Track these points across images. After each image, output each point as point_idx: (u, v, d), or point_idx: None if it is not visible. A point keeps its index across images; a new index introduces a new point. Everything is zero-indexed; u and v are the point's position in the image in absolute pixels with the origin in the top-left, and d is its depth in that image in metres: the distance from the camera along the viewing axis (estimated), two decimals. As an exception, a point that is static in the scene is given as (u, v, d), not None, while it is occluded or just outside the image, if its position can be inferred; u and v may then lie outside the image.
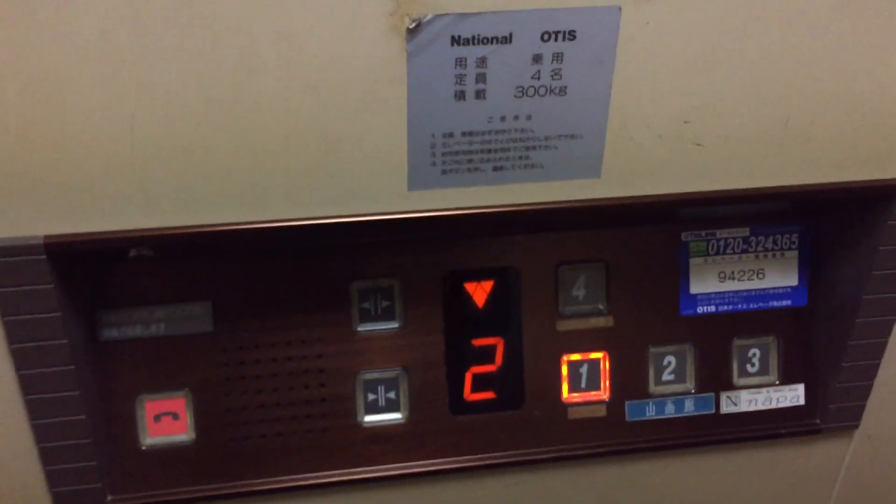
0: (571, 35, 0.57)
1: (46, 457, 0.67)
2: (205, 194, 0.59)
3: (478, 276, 0.74)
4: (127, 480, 0.71)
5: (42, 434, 0.66)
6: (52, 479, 0.68)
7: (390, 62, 0.56)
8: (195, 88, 0.55)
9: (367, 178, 0.61)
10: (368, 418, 0.75)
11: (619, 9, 0.57)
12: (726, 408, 0.80)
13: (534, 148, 0.62)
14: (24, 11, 0.51)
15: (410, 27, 0.55)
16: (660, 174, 0.64)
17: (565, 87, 0.60)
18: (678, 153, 0.64)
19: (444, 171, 0.62)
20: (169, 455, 0.72)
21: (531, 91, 0.59)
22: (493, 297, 0.75)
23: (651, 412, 0.79)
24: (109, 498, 0.70)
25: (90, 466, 0.68)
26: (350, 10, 0.54)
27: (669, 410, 0.79)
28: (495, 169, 0.62)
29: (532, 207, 0.64)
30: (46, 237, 0.59)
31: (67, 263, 0.62)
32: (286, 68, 0.56)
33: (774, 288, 0.78)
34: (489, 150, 0.61)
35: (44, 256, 0.59)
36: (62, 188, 0.57)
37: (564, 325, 0.76)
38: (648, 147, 0.63)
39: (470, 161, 0.62)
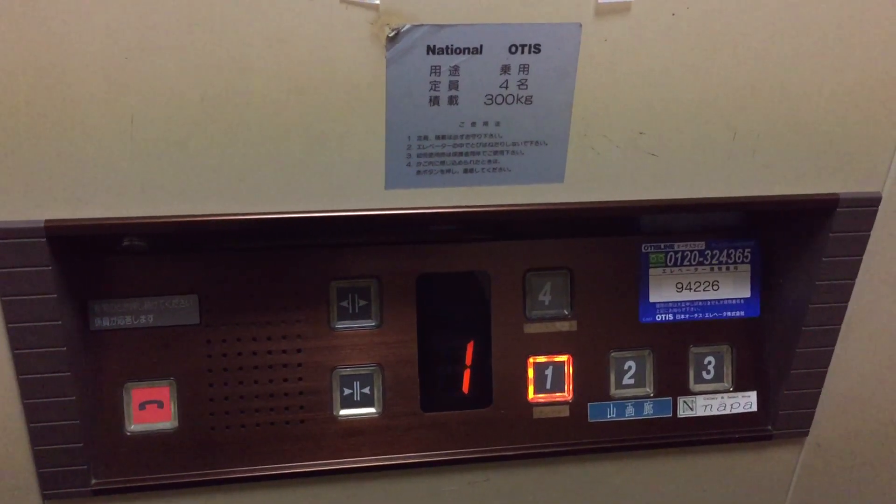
0: (537, 48, 0.63)
1: (35, 437, 0.70)
2: (197, 186, 0.64)
3: (449, 280, 0.79)
4: (111, 464, 0.75)
5: (32, 414, 0.69)
6: (40, 459, 0.71)
7: (371, 68, 0.62)
8: (192, 86, 0.60)
9: (347, 176, 0.66)
10: (344, 412, 0.79)
11: (580, 25, 0.63)
12: (683, 412, 0.84)
13: (502, 152, 0.67)
14: (36, 9, 0.57)
15: (390, 36, 0.60)
16: (618, 181, 0.70)
17: (531, 97, 0.65)
18: (634, 162, 0.69)
19: (418, 172, 0.67)
20: (152, 441, 0.76)
21: (500, 99, 0.65)
22: (464, 300, 0.80)
23: (612, 414, 0.83)
24: (94, 481, 0.74)
25: (77, 448, 0.71)
26: (335, 18, 0.60)
27: (629, 413, 0.83)
28: (466, 171, 0.67)
29: (499, 209, 0.69)
30: (47, 221, 0.63)
31: (65, 250, 0.67)
32: (275, 70, 0.61)
33: (728, 299, 0.84)
34: (461, 154, 0.67)
35: (44, 239, 0.63)
36: (64, 176, 0.62)
37: (531, 329, 0.81)
38: (607, 155, 0.68)
39: (443, 163, 0.67)
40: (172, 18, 0.58)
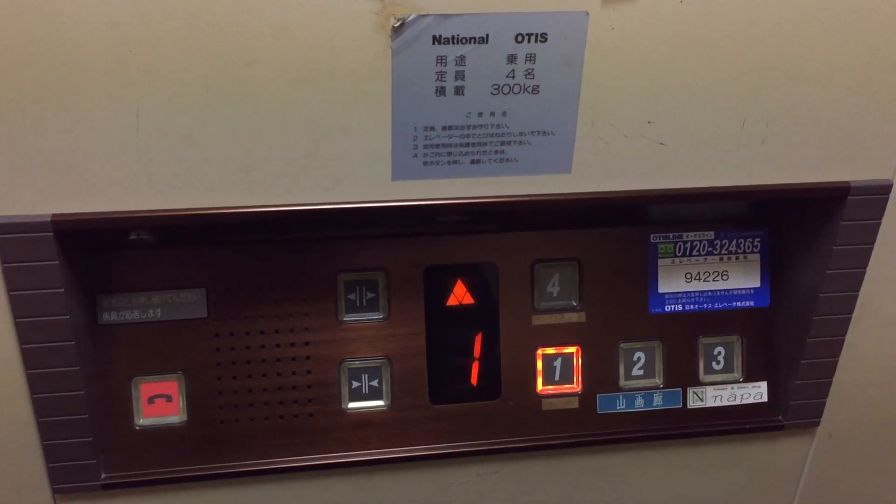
0: (543, 37, 0.63)
1: (45, 431, 0.70)
2: (203, 179, 0.64)
3: (457, 272, 0.79)
4: (120, 458, 0.75)
5: (41, 408, 0.69)
6: (49, 454, 0.71)
7: (376, 58, 0.61)
8: (197, 79, 0.60)
9: (353, 167, 0.65)
10: (352, 405, 0.79)
11: (587, 14, 0.62)
12: (693, 403, 0.84)
13: (508, 143, 0.67)
14: (40, 2, 0.56)
15: (395, 26, 0.60)
16: (626, 171, 0.69)
17: (538, 86, 0.65)
18: (642, 151, 0.68)
19: (425, 163, 0.66)
20: (161, 435, 0.76)
21: (506, 89, 0.64)
22: (472, 291, 0.79)
23: (621, 405, 0.83)
24: (103, 475, 0.74)
25: (86, 442, 0.71)
26: (340, 8, 0.59)
27: (639, 404, 0.83)
28: (473, 162, 0.67)
29: (506, 199, 0.69)
30: (54, 216, 0.63)
31: (72, 245, 0.67)
32: (281, 62, 0.60)
33: (738, 289, 0.83)
34: (467, 144, 0.66)
35: (51, 234, 0.63)
36: (70, 171, 0.62)
37: (539, 320, 0.80)
38: (615, 145, 0.68)
39: (449, 154, 0.66)
40: (177, 11, 0.58)
